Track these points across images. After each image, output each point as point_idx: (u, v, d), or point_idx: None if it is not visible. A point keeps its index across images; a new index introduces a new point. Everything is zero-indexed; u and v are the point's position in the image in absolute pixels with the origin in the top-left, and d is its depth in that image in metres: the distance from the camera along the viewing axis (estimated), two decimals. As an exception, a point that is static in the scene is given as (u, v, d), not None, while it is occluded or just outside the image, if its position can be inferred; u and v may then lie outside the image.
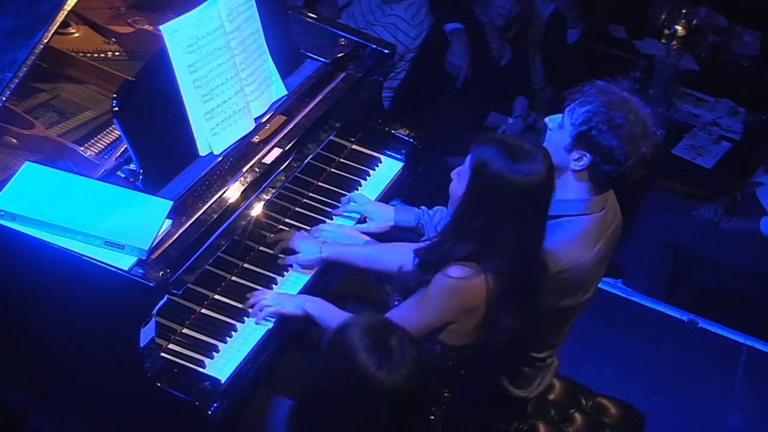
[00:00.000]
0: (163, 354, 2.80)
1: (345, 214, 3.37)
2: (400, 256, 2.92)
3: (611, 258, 3.00)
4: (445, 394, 2.77)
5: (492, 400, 3.02)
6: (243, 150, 3.12)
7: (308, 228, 3.26)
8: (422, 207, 3.29)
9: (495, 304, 2.58)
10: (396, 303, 2.82)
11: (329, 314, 2.88)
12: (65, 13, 2.99)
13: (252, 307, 2.96)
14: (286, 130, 3.23)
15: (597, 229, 2.83)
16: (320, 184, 3.44)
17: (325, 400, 2.34)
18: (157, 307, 2.71)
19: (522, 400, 3.08)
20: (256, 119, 3.21)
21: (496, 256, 2.57)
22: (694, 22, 5.71)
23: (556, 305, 2.84)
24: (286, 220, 3.29)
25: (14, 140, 3.10)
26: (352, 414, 2.30)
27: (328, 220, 3.34)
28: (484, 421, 3.07)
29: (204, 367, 2.82)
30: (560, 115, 2.82)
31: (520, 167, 2.50)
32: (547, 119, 2.88)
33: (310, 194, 3.39)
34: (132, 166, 2.94)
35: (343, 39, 3.63)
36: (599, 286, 3.06)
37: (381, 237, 3.27)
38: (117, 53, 3.54)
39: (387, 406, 2.26)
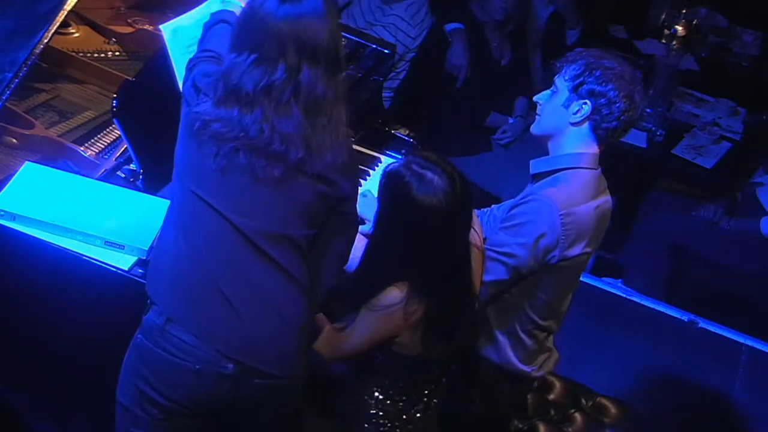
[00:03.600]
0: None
1: None
2: None
3: (605, 233, 3.04)
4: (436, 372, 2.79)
5: (497, 375, 3.03)
6: (243, 150, 3.11)
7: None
8: None
9: (432, 315, 2.63)
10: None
11: None
12: (65, 13, 2.99)
13: None
14: (286, 130, 3.22)
15: (595, 184, 2.93)
16: (320, 184, 3.43)
17: None
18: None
19: (525, 379, 3.08)
20: (256, 119, 3.20)
21: (413, 278, 2.61)
22: (694, 22, 5.70)
23: (562, 255, 2.87)
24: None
25: (14, 140, 3.10)
26: None
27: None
28: (485, 397, 3.08)
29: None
30: (546, 91, 2.97)
31: (423, 187, 2.57)
32: (535, 98, 3.00)
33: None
34: (132, 166, 2.94)
35: (343, 39, 3.63)
36: (599, 286, 3.05)
37: None
38: (117, 53, 3.55)
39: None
